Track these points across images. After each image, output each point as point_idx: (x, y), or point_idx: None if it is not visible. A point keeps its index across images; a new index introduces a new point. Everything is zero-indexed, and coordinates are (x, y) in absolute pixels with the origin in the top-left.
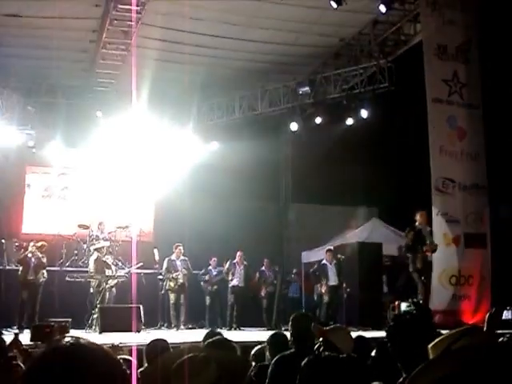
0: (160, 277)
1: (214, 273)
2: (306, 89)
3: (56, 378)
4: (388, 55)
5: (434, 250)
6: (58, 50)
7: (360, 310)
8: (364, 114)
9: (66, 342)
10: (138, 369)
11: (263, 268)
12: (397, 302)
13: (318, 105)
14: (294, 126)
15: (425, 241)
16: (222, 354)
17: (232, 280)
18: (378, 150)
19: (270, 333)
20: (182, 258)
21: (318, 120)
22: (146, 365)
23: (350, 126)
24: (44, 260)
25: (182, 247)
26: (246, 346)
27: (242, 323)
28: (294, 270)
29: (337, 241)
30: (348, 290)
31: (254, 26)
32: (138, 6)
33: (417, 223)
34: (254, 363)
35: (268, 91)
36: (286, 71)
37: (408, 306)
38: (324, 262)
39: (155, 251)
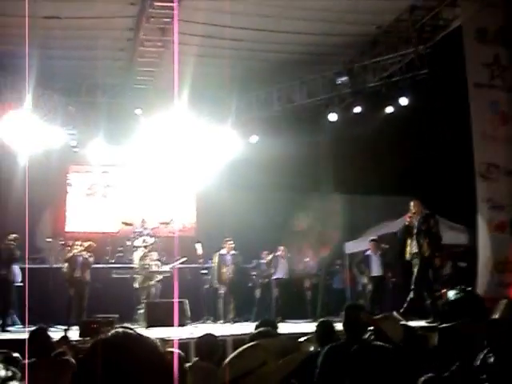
0: (204, 271)
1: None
2: (344, 78)
3: (104, 364)
4: (426, 41)
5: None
6: (96, 50)
7: (405, 300)
8: (404, 101)
9: (116, 331)
10: (184, 362)
11: (307, 259)
12: (444, 290)
13: (357, 94)
14: (332, 117)
15: (413, 233)
16: (269, 340)
17: (275, 273)
18: (419, 138)
19: (315, 324)
20: (232, 252)
21: (357, 109)
22: (195, 359)
23: (390, 114)
24: (91, 260)
25: (231, 241)
26: (290, 338)
27: (286, 315)
28: (338, 261)
29: (380, 231)
30: (393, 279)
31: (289, 18)
32: (173, 2)
33: (412, 213)
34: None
35: (306, 82)
36: (324, 61)
37: (456, 294)
38: (368, 252)
39: (198, 246)
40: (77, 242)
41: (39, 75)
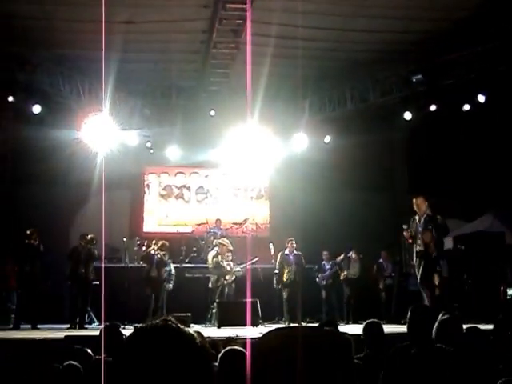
0: (276, 271)
1: (328, 266)
2: (419, 76)
3: (140, 352)
4: (505, 35)
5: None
6: (170, 53)
7: (478, 302)
8: (481, 98)
9: (155, 322)
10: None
11: (381, 260)
12: (502, 287)
13: (432, 92)
14: (408, 115)
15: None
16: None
17: (346, 272)
18: (499, 137)
19: (388, 326)
20: (295, 252)
21: (433, 107)
22: None
23: (467, 111)
24: (166, 258)
25: (294, 241)
26: (361, 340)
27: (359, 317)
28: (413, 262)
29: (453, 232)
30: (469, 281)
31: (362, 16)
32: (245, 4)
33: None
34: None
35: (380, 81)
36: (398, 59)
37: None
38: None
39: (271, 246)
40: (153, 241)
41: (115, 78)
